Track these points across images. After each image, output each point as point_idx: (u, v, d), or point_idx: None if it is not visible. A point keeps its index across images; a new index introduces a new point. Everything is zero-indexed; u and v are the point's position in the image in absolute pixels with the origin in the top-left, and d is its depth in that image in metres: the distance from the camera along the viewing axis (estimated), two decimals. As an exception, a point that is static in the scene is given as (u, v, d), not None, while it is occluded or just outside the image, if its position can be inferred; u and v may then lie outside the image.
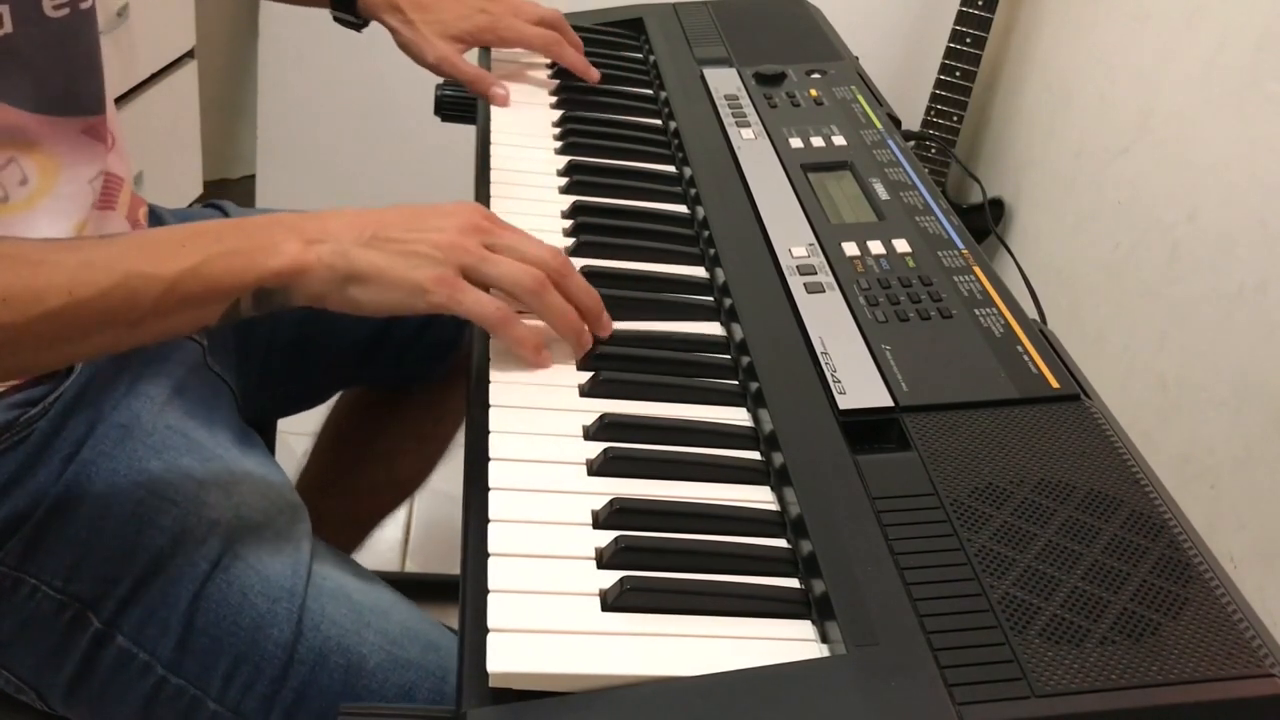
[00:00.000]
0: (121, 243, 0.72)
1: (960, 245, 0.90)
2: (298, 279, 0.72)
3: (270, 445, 1.21)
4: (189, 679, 0.81)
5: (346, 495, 1.28)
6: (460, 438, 1.26)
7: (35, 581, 0.81)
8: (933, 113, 2.03)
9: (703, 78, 1.16)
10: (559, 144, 1.07)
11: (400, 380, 1.21)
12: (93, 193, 0.87)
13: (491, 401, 0.74)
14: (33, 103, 0.82)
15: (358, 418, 1.28)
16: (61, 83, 0.84)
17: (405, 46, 1.14)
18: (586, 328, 0.80)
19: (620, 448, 0.72)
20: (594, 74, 1.16)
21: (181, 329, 0.72)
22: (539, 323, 0.79)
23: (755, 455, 0.74)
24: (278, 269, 0.71)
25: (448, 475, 1.25)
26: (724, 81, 1.15)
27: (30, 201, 0.82)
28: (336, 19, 1.17)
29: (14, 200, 0.81)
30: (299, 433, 1.34)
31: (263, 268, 0.71)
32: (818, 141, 1.04)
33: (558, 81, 1.18)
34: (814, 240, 0.90)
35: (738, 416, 0.78)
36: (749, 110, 1.10)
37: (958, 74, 1.99)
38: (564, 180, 1.01)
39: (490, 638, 0.58)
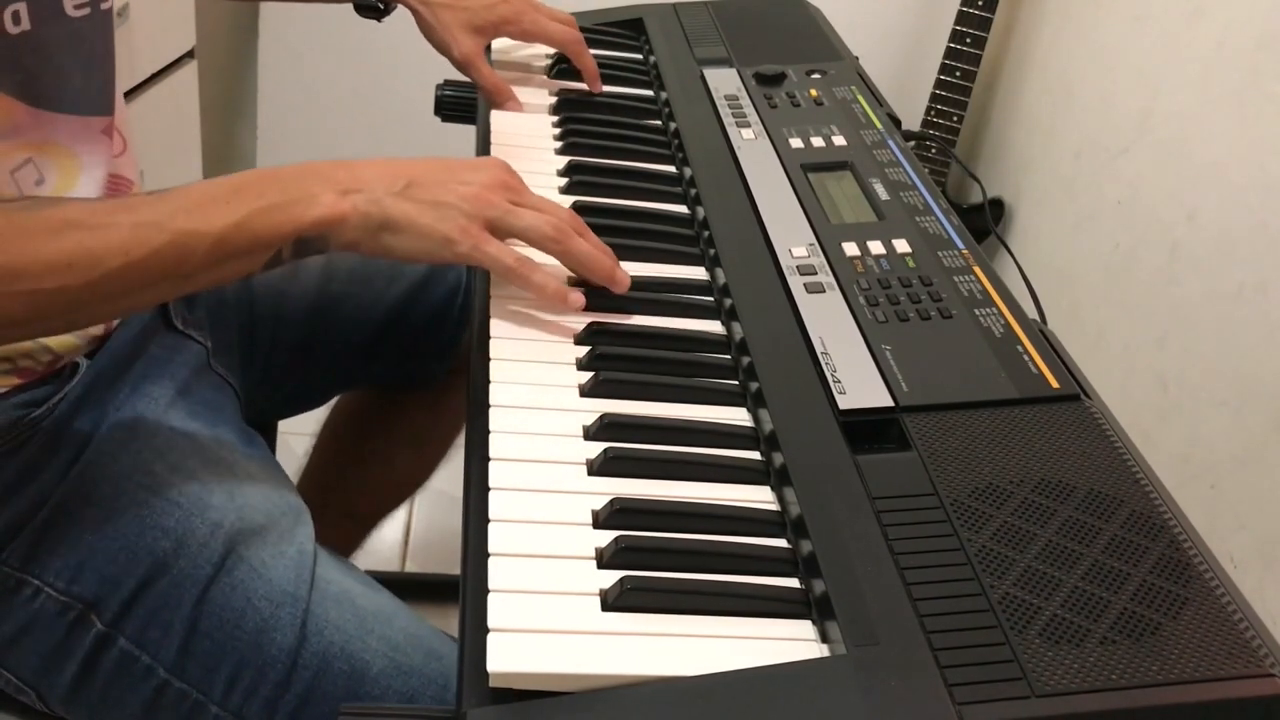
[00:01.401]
0: (171, 201, 0.74)
1: (960, 245, 0.90)
2: (335, 227, 0.75)
3: (271, 446, 1.21)
4: (192, 683, 0.81)
5: (346, 494, 1.28)
6: (460, 438, 1.26)
7: (38, 583, 0.81)
8: (933, 113, 2.03)
9: (703, 78, 1.16)
10: (559, 144, 1.07)
11: (400, 381, 1.21)
12: (103, 194, 0.87)
13: (491, 401, 0.75)
14: (54, 101, 0.82)
15: (357, 418, 1.28)
16: (81, 81, 0.84)
17: (429, 31, 1.14)
18: (618, 266, 0.83)
19: (620, 448, 0.72)
20: (600, 84, 1.17)
21: (229, 277, 0.76)
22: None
23: (755, 455, 0.74)
24: (315, 219, 0.74)
25: (448, 475, 1.25)
26: (724, 81, 1.15)
27: None
28: (358, 7, 1.17)
29: None
30: (299, 433, 1.34)
31: (302, 219, 0.74)
32: (818, 141, 1.04)
33: (558, 82, 1.18)
34: (814, 240, 0.90)
35: (738, 416, 0.78)
36: (749, 110, 1.10)
37: (958, 74, 1.99)
38: (564, 180, 1.01)
39: (490, 638, 0.58)
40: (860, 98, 1.12)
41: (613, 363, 0.79)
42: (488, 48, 1.22)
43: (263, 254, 0.74)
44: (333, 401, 1.27)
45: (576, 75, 1.18)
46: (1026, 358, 0.78)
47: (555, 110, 1.14)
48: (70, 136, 0.84)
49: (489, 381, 0.76)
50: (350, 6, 1.20)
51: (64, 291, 0.69)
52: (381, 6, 1.17)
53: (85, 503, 0.82)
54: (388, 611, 0.86)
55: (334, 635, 0.82)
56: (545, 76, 1.20)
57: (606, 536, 0.66)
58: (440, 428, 1.28)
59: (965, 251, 0.89)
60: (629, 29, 1.31)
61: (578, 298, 0.81)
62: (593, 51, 1.19)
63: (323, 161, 0.78)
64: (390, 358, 1.15)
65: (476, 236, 0.77)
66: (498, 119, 1.10)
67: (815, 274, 0.86)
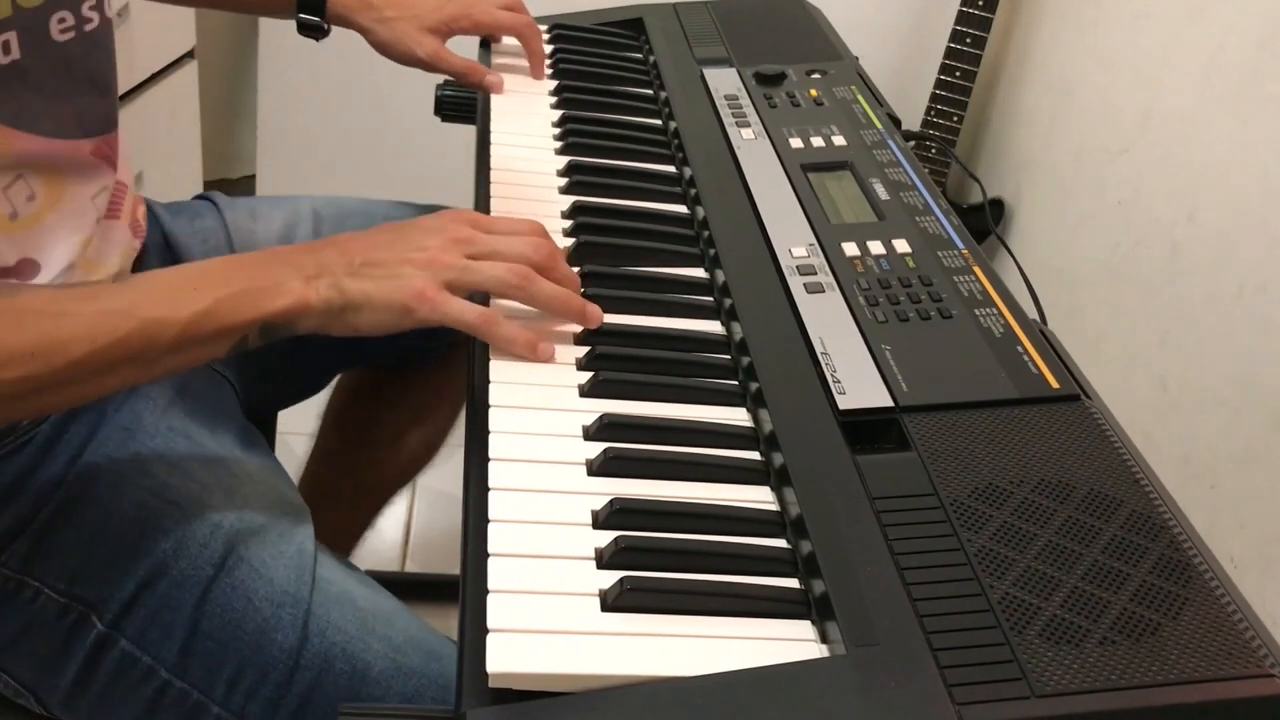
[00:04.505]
0: (136, 288, 0.74)
1: (960, 245, 0.90)
2: (301, 314, 0.75)
3: (270, 441, 1.21)
4: (193, 683, 0.81)
5: (352, 477, 1.28)
6: (460, 429, 1.26)
7: (38, 584, 0.81)
8: (933, 113, 2.03)
9: (703, 78, 1.16)
10: (559, 144, 1.07)
11: (397, 359, 1.21)
12: (97, 209, 0.87)
13: (491, 402, 0.75)
14: (42, 126, 0.82)
15: (359, 398, 1.28)
16: (70, 106, 0.84)
17: (386, 45, 1.14)
18: (587, 304, 0.81)
19: (620, 448, 0.72)
20: (543, 74, 1.18)
21: (194, 363, 0.75)
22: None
23: (755, 455, 0.74)
24: (281, 309, 0.74)
25: (448, 475, 1.25)
26: (724, 81, 1.15)
27: (38, 217, 0.82)
28: (301, 24, 1.16)
29: (23, 216, 0.82)
30: (299, 433, 1.35)
31: (269, 307, 0.74)
32: (818, 141, 1.04)
33: (558, 81, 1.18)
34: (814, 240, 0.90)
35: (738, 416, 0.78)
36: (749, 110, 1.10)
37: (958, 74, 1.99)
38: (564, 180, 1.01)
39: (490, 638, 0.58)
40: (860, 98, 1.12)
41: (612, 362, 0.79)
42: (487, 48, 1.22)
43: (228, 340, 0.74)
44: (333, 385, 1.26)
45: (575, 74, 1.18)
46: (1026, 358, 0.78)
47: (555, 110, 1.14)
48: (60, 159, 0.84)
49: (489, 381, 0.76)
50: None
51: (28, 380, 0.68)
52: (325, 28, 1.16)
53: (85, 504, 0.82)
54: (388, 612, 0.86)
55: (335, 636, 0.82)
56: (545, 74, 1.20)
57: (606, 537, 0.66)
58: (442, 404, 1.28)
59: (965, 251, 0.89)
60: (629, 29, 1.31)
61: (547, 348, 0.79)
62: (593, 51, 1.19)
63: (285, 248, 0.78)
64: (385, 336, 1.15)
65: (434, 299, 0.76)
66: (498, 119, 1.10)
67: (815, 274, 0.86)
